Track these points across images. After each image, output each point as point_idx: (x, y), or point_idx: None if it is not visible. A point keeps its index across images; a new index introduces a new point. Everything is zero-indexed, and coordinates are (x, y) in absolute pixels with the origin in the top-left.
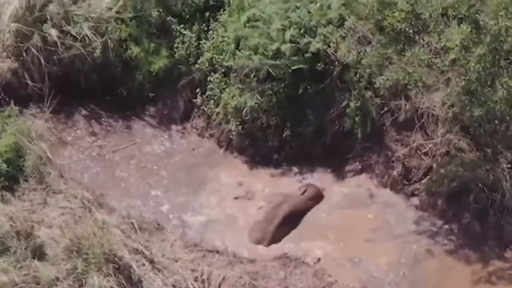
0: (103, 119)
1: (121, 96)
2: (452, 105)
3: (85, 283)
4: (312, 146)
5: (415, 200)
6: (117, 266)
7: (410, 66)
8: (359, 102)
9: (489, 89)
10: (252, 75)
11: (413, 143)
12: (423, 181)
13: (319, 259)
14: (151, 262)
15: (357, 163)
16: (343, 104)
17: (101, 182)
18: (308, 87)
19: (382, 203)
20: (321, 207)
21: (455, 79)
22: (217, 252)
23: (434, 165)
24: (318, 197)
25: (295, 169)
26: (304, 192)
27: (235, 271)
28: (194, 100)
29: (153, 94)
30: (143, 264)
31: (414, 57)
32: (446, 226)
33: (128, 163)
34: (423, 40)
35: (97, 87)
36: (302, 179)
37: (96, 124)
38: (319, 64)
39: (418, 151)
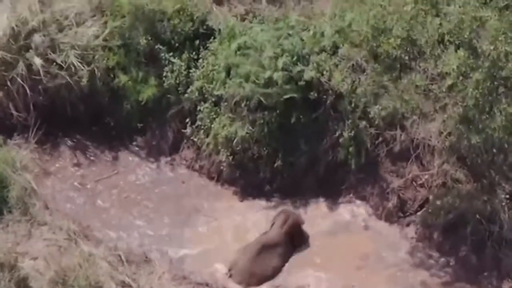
0: (89, 150)
1: (108, 126)
2: (449, 134)
3: None
4: (305, 177)
5: (411, 232)
6: None
7: (406, 93)
8: (353, 132)
9: (487, 116)
10: (243, 104)
11: (408, 174)
12: (418, 213)
13: None
14: None
15: (351, 195)
16: (337, 134)
17: (86, 213)
18: (301, 116)
19: (377, 235)
20: (314, 238)
21: (452, 107)
22: (207, 285)
23: (430, 197)
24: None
25: (288, 201)
26: (272, 225)
27: None
28: (183, 131)
29: (141, 125)
30: None
31: (410, 84)
32: (443, 259)
33: (113, 194)
34: (419, 67)
35: (83, 117)
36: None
37: (81, 155)
38: (312, 93)
39: (414, 183)
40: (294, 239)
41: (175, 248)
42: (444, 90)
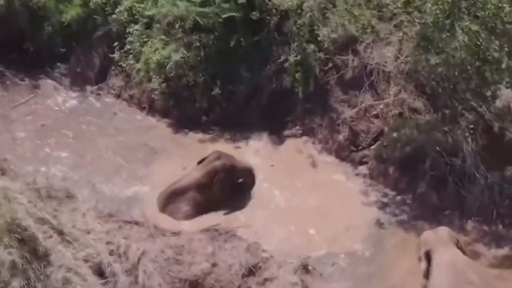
0: (6, 76)
1: (27, 51)
2: (406, 58)
3: None
4: (246, 107)
5: (364, 168)
6: (20, 238)
7: (357, 8)
8: (299, 56)
9: (448, 34)
10: (177, 25)
11: (361, 104)
12: (372, 146)
13: (254, 232)
14: (60, 233)
15: (298, 127)
16: (282, 59)
17: (1, 144)
18: (242, 39)
19: (326, 171)
20: (258, 177)
21: (409, 24)
22: (136, 223)
23: (386, 129)
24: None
25: (227, 134)
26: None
27: (156, 245)
28: (111, 56)
29: (64, 50)
30: (51, 236)
31: None
32: (399, 197)
33: (31, 123)
34: None
35: (4, 45)
36: (235, 146)
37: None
38: (254, 13)
39: (367, 113)
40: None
41: (99, 184)
42: (399, 5)
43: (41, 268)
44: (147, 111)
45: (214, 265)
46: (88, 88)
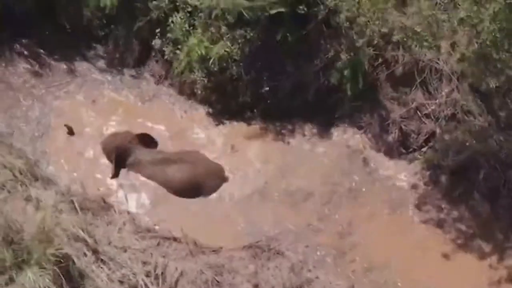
0: (41, 58)
1: (64, 30)
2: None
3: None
4: (292, 103)
5: (415, 169)
6: (54, 258)
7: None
8: (348, 52)
9: (507, 54)
10: (222, 18)
11: (412, 103)
12: (423, 149)
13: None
14: (95, 252)
15: (346, 125)
16: (330, 55)
17: (33, 142)
18: (288, 34)
19: (375, 171)
20: (301, 174)
21: (467, 43)
22: (175, 239)
23: (438, 130)
24: None
25: (271, 128)
26: None
27: (195, 264)
28: (151, 43)
29: (103, 33)
30: (85, 254)
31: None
32: (451, 207)
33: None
34: None
35: (37, 21)
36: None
37: (35, 63)
38: (301, 7)
39: (419, 112)
40: None
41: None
42: (455, 22)
43: None
44: (190, 103)
45: (255, 286)
46: (126, 71)
